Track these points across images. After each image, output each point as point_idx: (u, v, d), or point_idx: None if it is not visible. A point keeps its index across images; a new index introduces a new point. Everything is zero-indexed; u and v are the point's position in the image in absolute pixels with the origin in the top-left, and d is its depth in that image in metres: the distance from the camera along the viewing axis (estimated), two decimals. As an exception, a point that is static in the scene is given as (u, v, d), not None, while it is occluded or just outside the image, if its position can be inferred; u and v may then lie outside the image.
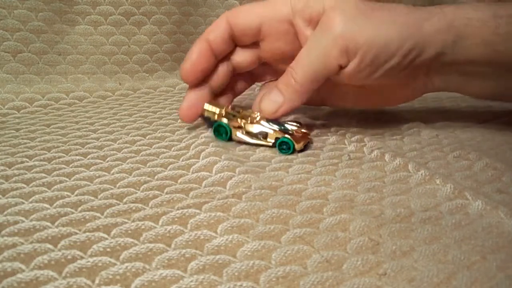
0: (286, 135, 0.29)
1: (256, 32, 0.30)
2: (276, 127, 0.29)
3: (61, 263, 0.17)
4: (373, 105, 0.36)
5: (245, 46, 0.32)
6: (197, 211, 0.21)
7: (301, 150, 0.29)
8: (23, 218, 0.21)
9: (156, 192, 0.23)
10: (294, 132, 0.30)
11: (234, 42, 0.31)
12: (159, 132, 0.32)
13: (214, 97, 0.33)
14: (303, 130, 0.30)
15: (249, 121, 0.30)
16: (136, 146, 0.30)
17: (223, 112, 0.30)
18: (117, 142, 0.30)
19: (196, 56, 0.31)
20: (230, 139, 0.30)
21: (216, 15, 0.50)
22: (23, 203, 0.22)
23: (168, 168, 0.26)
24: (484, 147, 0.31)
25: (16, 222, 0.20)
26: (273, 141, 0.29)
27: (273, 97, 0.29)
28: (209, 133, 0.31)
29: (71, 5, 0.41)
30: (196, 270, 0.17)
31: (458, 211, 0.22)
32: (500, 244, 0.20)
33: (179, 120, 0.35)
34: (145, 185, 0.24)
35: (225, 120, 0.30)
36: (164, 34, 0.46)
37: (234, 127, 0.30)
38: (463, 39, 0.28)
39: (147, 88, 0.44)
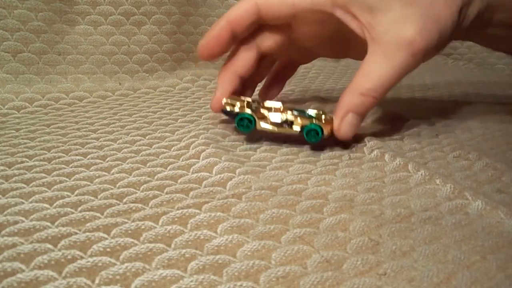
0: (314, 121, 0.28)
1: (289, 19, 0.30)
2: (303, 114, 0.29)
3: (61, 263, 0.17)
4: None
5: (273, 29, 0.31)
6: (197, 211, 0.21)
7: (329, 137, 0.28)
8: (23, 218, 0.21)
9: (156, 192, 0.23)
10: (320, 118, 0.29)
11: (259, 23, 0.30)
12: (159, 132, 0.32)
13: (244, 86, 0.33)
14: (327, 117, 0.29)
15: (273, 111, 0.29)
16: (136, 146, 0.30)
17: (245, 103, 0.30)
18: (117, 142, 0.30)
19: (213, 33, 0.30)
20: (254, 130, 0.29)
21: (216, 15, 0.50)
22: (23, 203, 0.22)
23: (168, 168, 0.26)
24: (484, 147, 0.31)
25: (16, 222, 0.20)
26: (299, 128, 0.28)
27: (352, 121, 0.28)
28: (209, 133, 0.31)
29: (71, 5, 0.41)
30: (196, 270, 0.17)
31: (458, 211, 0.22)
32: (500, 244, 0.20)
33: (179, 120, 0.35)
34: (145, 185, 0.24)
35: (248, 111, 0.29)
36: (164, 34, 0.46)
37: (258, 118, 0.29)
38: (490, 7, 0.29)
39: (147, 88, 0.44)
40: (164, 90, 0.45)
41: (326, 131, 0.28)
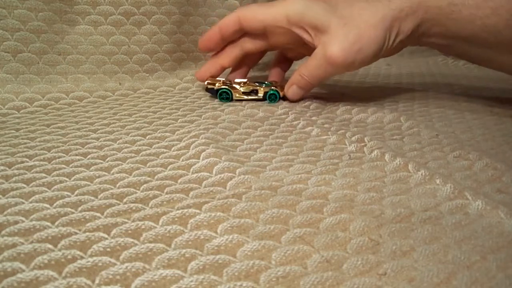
0: (272, 88, 0.41)
1: (262, 30, 0.40)
2: (262, 85, 0.41)
3: (61, 263, 0.17)
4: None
5: (254, 36, 0.41)
6: (197, 211, 0.21)
7: (284, 98, 0.41)
8: (23, 218, 0.21)
9: (156, 192, 0.23)
10: (275, 85, 0.41)
11: (243, 31, 0.40)
12: (159, 132, 0.32)
13: (231, 72, 0.44)
14: (277, 85, 0.42)
15: (242, 85, 0.41)
16: (136, 146, 0.30)
17: (221, 82, 0.41)
18: (117, 142, 0.30)
19: (206, 36, 0.41)
20: (231, 100, 0.41)
21: (216, 15, 0.50)
22: (23, 203, 0.22)
23: (168, 168, 0.26)
24: (484, 147, 0.31)
25: (16, 222, 0.20)
26: (262, 95, 0.41)
27: (295, 92, 0.40)
28: (210, 133, 0.31)
29: (71, 5, 0.41)
30: (196, 270, 0.17)
31: (458, 211, 0.22)
32: (500, 244, 0.20)
33: (179, 120, 0.35)
34: (145, 185, 0.24)
35: (225, 87, 0.40)
36: (164, 34, 0.46)
37: (233, 91, 0.41)
38: (424, 23, 0.36)
39: (147, 88, 0.44)
40: (164, 90, 0.45)
41: (282, 93, 0.41)
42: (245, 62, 0.44)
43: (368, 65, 0.38)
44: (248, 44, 0.41)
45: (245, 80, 0.41)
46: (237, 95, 0.40)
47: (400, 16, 0.35)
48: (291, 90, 0.40)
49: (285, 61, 0.46)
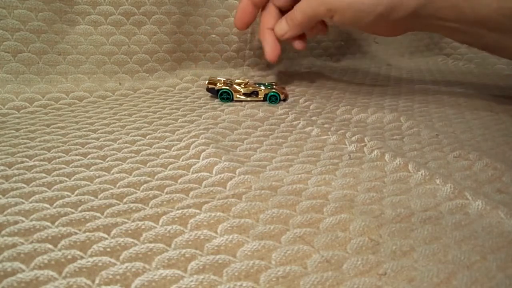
0: (273, 90, 0.41)
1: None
2: (262, 87, 0.41)
3: (61, 263, 0.17)
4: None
5: None
6: (197, 211, 0.21)
7: (284, 100, 0.41)
8: (23, 218, 0.21)
9: (156, 192, 0.23)
10: (275, 87, 0.42)
11: None
12: (159, 132, 0.32)
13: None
14: (278, 86, 0.42)
15: (242, 86, 0.41)
16: (136, 146, 0.30)
17: (222, 82, 0.41)
18: (117, 142, 0.30)
19: (239, 11, 0.43)
20: (232, 100, 0.41)
21: (216, 15, 0.50)
22: (23, 203, 0.22)
23: (168, 168, 0.26)
24: (484, 147, 0.31)
25: (16, 222, 0.20)
26: (262, 96, 0.41)
27: (282, 26, 0.41)
28: (210, 134, 0.31)
29: (71, 5, 0.41)
30: (196, 270, 0.17)
31: (458, 211, 0.22)
32: (500, 244, 0.20)
33: (179, 120, 0.35)
34: (145, 185, 0.24)
35: (226, 88, 0.41)
36: (164, 34, 0.46)
37: (234, 91, 0.41)
38: (432, 2, 0.34)
39: (147, 88, 0.44)
40: (164, 90, 0.45)
41: (282, 96, 0.41)
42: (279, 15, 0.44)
43: (361, 26, 0.38)
44: (278, 1, 0.42)
45: (246, 80, 0.42)
46: (237, 95, 0.41)
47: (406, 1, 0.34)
48: (278, 24, 0.41)
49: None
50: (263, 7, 0.43)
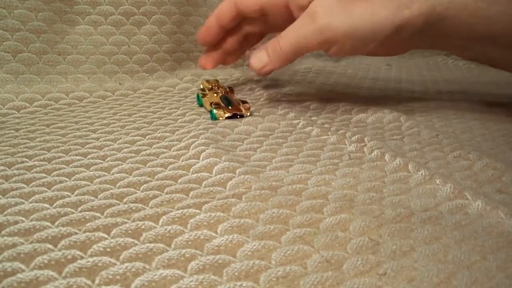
0: (214, 108, 0.36)
1: (259, 12, 0.36)
2: (222, 101, 0.38)
3: (61, 263, 0.17)
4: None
5: (253, 18, 0.38)
6: (197, 211, 0.21)
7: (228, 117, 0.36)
8: (23, 218, 0.21)
9: (156, 192, 0.23)
10: (232, 105, 0.37)
11: (242, 17, 0.37)
12: (159, 132, 0.32)
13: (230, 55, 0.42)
14: (242, 107, 0.37)
15: (213, 95, 0.39)
16: (136, 146, 0.30)
17: (208, 87, 0.41)
18: (117, 142, 0.30)
19: (205, 28, 0.39)
20: (201, 105, 0.39)
21: (216, 15, 0.50)
22: (23, 203, 0.22)
23: (168, 168, 0.26)
24: (484, 147, 0.31)
25: (16, 222, 0.20)
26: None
27: (261, 57, 0.34)
28: (209, 133, 0.31)
29: (71, 5, 0.41)
30: (196, 270, 0.17)
31: (458, 211, 0.22)
32: (500, 244, 0.20)
33: (179, 120, 0.35)
34: (145, 185, 0.24)
35: (200, 93, 0.40)
36: (164, 34, 0.46)
37: (203, 97, 0.39)
38: (443, 20, 0.31)
39: (147, 88, 0.44)
40: (164, 90, 0.45)
41: (218, 114, 0.35)
42: (243, 46, 0.42)
43: (362, 53, 0.34)
44: (247, 27, 0.39)
45: (220, 91, 0.40)
46: (203, 103, 0.39)
47: (409, 5, 0.31)
48: (257, 54, 0.34)
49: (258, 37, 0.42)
50: (231, 32, 0.39)
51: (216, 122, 0.35)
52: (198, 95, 0.40)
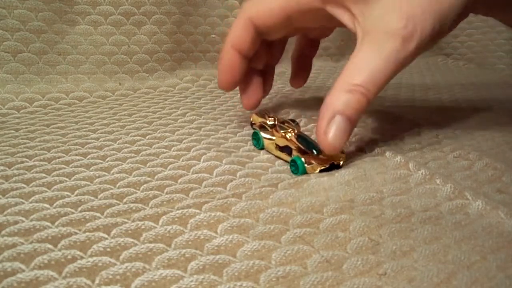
0: (300, 155, 0.26)
1: (284, 24, 0.28)
2: (301, 145, 0.26)
3: (61, 263, 0.17)
4: None
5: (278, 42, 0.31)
6: (197, 211, 0.21)
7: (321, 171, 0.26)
8: (23, 218, 0.21)
9: (156, 192, 0.23)
10: (319, 153, 0.26)
11: (263, 34, 0.29)
12: (159, 132, 0.32)
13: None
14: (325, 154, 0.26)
15: (280, 135, 0.28)
16: (136, 146, 0.30)
17: (259, 122, 0.30)
18: (117, 142, 0.30)
19: (225, 65, 0.29)
20: (263, 148, 0.29)
21: (216, 15, 0.50)
22: (23, 203, 0.22)
23: (168, 168, 0.26)
24: (484, 147, 0.31)
25: (16, 222, 0.20)
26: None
27: (341, 129, 0.24)
28: (211, 139, 0.31)
29: (71, 5, 0.41)
30: (196, 270, 0.17)
31: (458, 211, 0.22)
32: (500, 244, 0.20)
33: (179, 121, 0.35)
34: (145, 185, 0.24)
35: (263, 133, 0.29)
36: (164, 34, 0.46)
37: (266, 139, 0.29)
38: None
39: (147, 88, 0.44)
40: (164, 90, 0.45)
41: (309, 168, 0.25)
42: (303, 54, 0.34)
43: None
44: (273, 49, 0.32)
45: (290, 131, 0.28)
46: (268, 145, 0.29)
47: None
48: (333, 125, 0.24)
49: (310, 44, 0.34)
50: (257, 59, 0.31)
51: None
52: (257, 134, 0.29)
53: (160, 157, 0.28)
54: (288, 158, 0.27)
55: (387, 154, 0.28)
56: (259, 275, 0.17)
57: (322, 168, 0.26)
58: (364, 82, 0.23)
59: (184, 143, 0.30)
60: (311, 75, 0.53)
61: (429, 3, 0.23)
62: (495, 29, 0.65)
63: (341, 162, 0.26)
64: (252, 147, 0.30)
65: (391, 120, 0.37)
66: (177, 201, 0.23)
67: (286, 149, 0.27)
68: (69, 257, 0.18)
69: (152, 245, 0.19)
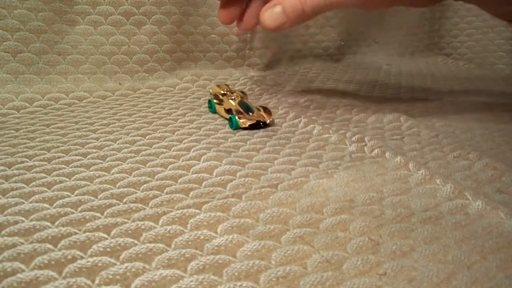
0: (235, 114, 0.34)
1: None
2: (241, 107, 0.35)
3: (61, 263, 0.17)
4: None
5: None
6: (197, 211, 0.21)
7: (245, 128, 0.34)
8: (23, 218, 0.21)
9: (156, 192, 0.23)
10: (254, 112, 0.35)
11: None
12: (159, 132, 0.32)
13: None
14: (263, 114, 0.35)
15: (229, 101, 0.36)
16: (136, 146, 0.30)
17: (220, 92, 0.38)
18: (117, 142, 0.30)
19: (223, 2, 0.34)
20: (215, 112, 0.37)
21: (216, 15, 0.49)
22: (23, 203, 0.22)
23: (168, 168, 0.26)
24: (484, 147, 0.31)
25: (16, 222, 0.20)
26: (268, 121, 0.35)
27: (277, 15, 0.30)
28: (211, 139, 0.31)
29: (71, 5, 0.41)
30: (196, 270, 0.17)
31: (458, 211, 0.22)
32: (500, 244, 0.20)
33: (179, 120, 0.35)
34: (145, 185, 0.24)
35: (215, 100, 0.37)
36: (164, 34, 0.46)
37: (217, 104, 0.37)
38: None
39: (147, 88, 0.44)
40: (164, 90, 0.45)
41: (241, 123, 0.33)
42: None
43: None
44: None
45: (239, 95, 0.37)
46: (217, 109, 0.37)
47: None
48: (271, 11, 0.30)
49: None
50: None
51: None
52: (211, 102, 0.38)
53: (160, 157, 0.28)
54: (228, 117, 0.35)
55: (387, 154, 0.28)
56: (259, 275, 0.17)
57: (250, 123, 0.33)
58: None
59: (184, 143, 0.30)
60: (311, 75, 0.52)
61: None
62: (495, 29, 0.65)
63: (268, 121, 0.34)
64: (252, 146, 0.30)
65: (391, 121, 0.37)
66: (177, 201, 0.23)
67: (229, 111, 0.35)
68: (69, 257, 0.18)
69: (152, 245, 0.19)
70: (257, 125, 0.34)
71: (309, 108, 0.40)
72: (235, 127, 0.33)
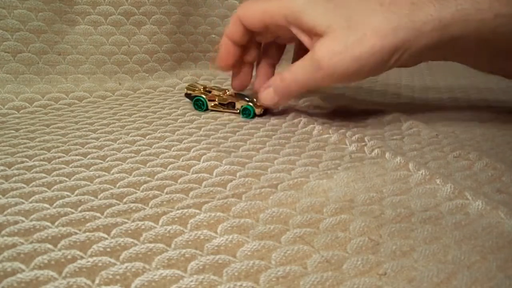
0: (249, 103, 0.37)
1: (264, 28, 0.35)
2: (241, 99, 0.37)
3: (61, 263, 0.17)
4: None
5: (265, 33, 0.37)
6: (197, 211, 0.21)
7: (261, 115, 0.37)
8: (23, 218, 0.21)
9: (156, 192, 0.23)
10: (253, 101, 0.37)
11: (251, 31, 0.36)
12: (159, 132, 0.32)
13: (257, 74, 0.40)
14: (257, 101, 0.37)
15: (221, 94, 0.38)
16: (136, 146, 0.30)
17: (201, 89, 0.38)
18: (117, 142, 0.30)
19: (221, 53, 0.37)
20: (206, 109, 0.38)
21: (216, 15, 0.50)
22: (23, 203, 0.22)
23: (168, 168, 0.26)
24: (484, 147, 0.31)
25: (16, 222, 0.20)
26: (240, 109, 0.37)
27: (269, 96, 0.35)
28: (211, 139, 0.31)
29: (71, 5, 0.41)
30: (196, 270, 0.17)
31: (458, 211, 0.22)
32: (500, 244, 0.20)
33: (179, 120, 0.35)
34: (145, 185, 0.24)
35: (203, 96, 0.38)
36: (164, 34, 0.46)
37: (210, 100, 0.38)
38: (459, 39, 0.30)
39: (147, 88, 0.44)
40: (164, 90, 0.45)
41: (257, 111, 0.36)
42: (268, 56, 0.40)
43: (364, 79, 0.33)
44: (259, 37, 0.37)
45: (226, 89, 0.39)
46: (212, 104, 0.38)
47: (422, 30, 0.29)
48: (265, 93, 0.35)
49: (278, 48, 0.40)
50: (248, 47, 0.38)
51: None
52: (199, 99, 0.38)
53: (160, 157, 0.28)
54: (235, 110, 0.37)
55: (387, 155, 0.28)
56: (259, 275, 0.17)
57: (263, 109, 0.37)
58: (289, 80, 0.33)
59: (184, 143, 0.30)
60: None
61: (355, 49, 0.30)
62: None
63: (261, 111, 0.37)
64: (252, 146, 0.30)
65: (391, 121, 0.37)
66: (177, 201, 0.23)
67: (229, 104, 0.37)
68: (69, 257, 0.18)
69: (152, 245, 0.19)
70: (266, 110, 0.37)
71: (309, 108, 0.40)
72: (251, 116, 0.36)
